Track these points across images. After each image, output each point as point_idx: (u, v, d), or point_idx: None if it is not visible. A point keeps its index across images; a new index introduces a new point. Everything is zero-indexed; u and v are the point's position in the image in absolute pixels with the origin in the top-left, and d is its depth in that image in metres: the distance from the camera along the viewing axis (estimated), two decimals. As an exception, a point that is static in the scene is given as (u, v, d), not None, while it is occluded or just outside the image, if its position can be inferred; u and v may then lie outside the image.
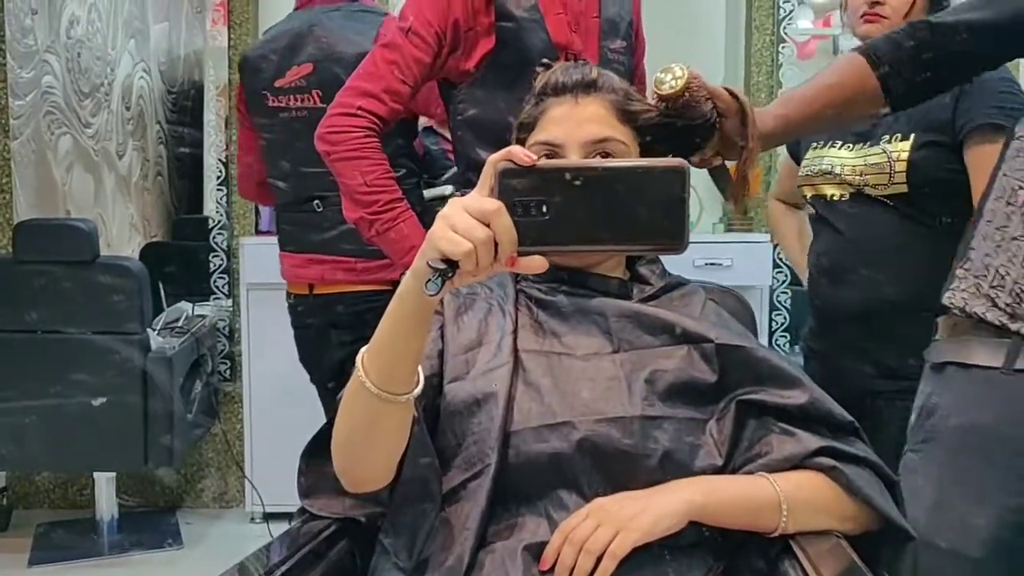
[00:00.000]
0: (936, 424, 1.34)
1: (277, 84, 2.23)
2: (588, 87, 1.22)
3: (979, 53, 1.38)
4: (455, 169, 1.87)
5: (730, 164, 1.32)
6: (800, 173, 1.93)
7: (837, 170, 1.81)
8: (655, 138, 1.24)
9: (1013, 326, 1.26)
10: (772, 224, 2.31)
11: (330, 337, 2.18)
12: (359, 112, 1.65)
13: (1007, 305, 1.27)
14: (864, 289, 1.79)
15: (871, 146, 1.78)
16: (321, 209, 2.18)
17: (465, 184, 1.76)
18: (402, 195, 1.67)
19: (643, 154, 1.23)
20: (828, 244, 1.87)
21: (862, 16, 1.83)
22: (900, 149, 1.74)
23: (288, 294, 2.30)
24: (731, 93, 1.27)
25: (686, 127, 1.24)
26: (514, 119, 1.29)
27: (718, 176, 1.34)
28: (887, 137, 1.76)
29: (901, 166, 1.73)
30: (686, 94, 1.21)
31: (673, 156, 1.25)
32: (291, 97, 2.21)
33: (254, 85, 2.29)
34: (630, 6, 1.84)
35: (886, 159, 1.73)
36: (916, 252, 1.76)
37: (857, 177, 1.76)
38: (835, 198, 1.84)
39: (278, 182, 2.29)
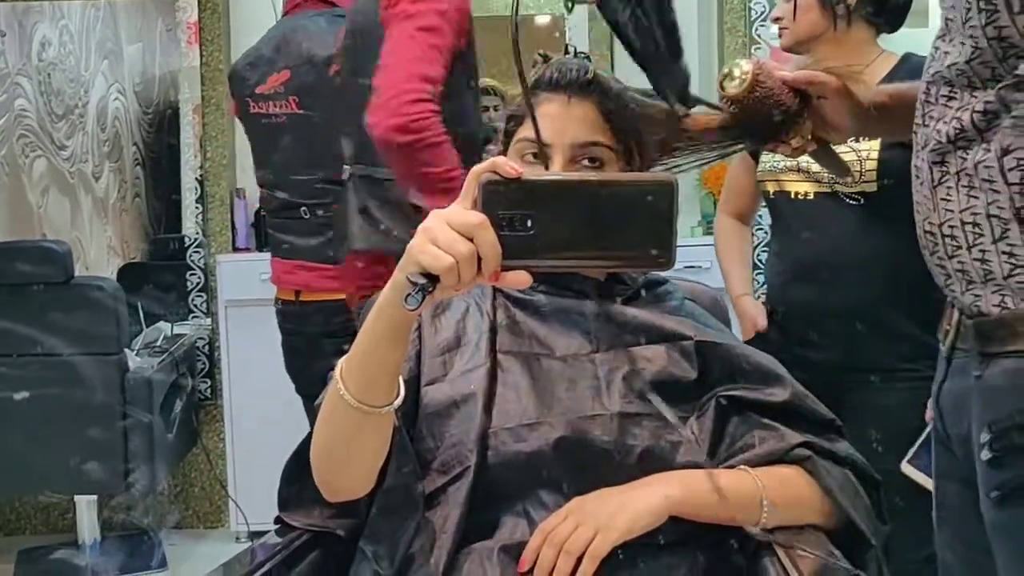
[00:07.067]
0: None
1: (258, 91, 2.22)
2: (582, 86, 1.19)
3: None
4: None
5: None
6: (762, 167, 1.94)
7: (804, 165, 1.81)
8: (733, 133, 1.21)
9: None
10: (722, 241, 2.21)
11: (321, 345, 2.16)
12: (430, 97, 1.62)
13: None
14: (829, 287, 1.80)
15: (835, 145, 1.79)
16: (308, 216, 2.16)
17: None
18: None
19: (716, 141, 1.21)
20: (792, 245, 1.88)
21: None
22: (870, 148, 1.75)
23: (276, 300, 2.28)
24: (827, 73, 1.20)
25: (764, 122, 1.19)
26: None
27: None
28: (850, 136, 1.78)
29: (871, 164, 1.74)
30: (756, 91, 1.16)
31: (756, 144, 1.22)
32: (271, 103, 2.20)
33: (239, 93, 2.29)
34: None
35: (855, 157, 1.74)
36: (881, 251, 1.78)
37: (826, 172, 1.77)
38: (799, 196, 1.85)
39: (266, 189, 2.28)
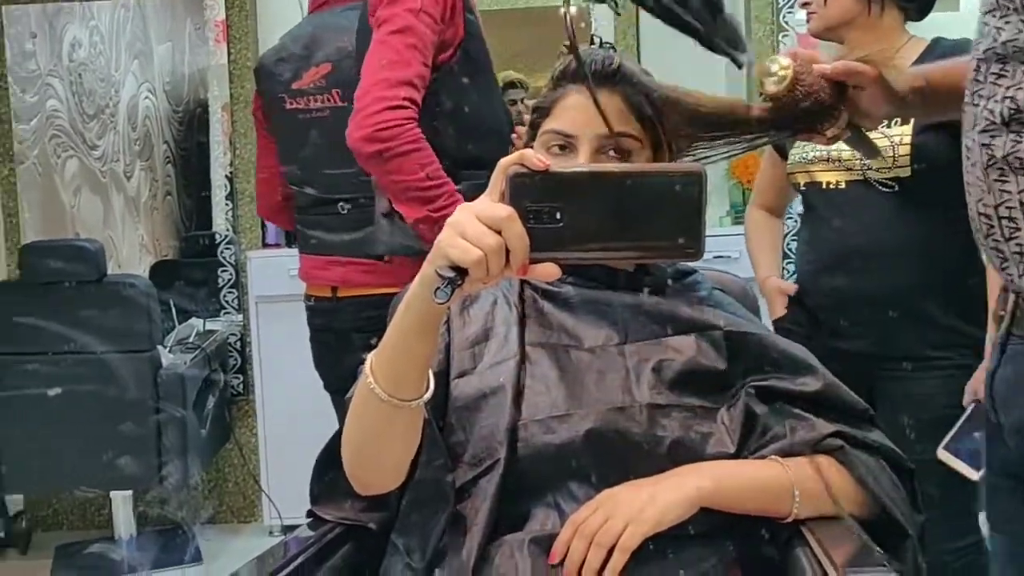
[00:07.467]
0: None
1: (295, 86, 2.21)
2: (607, 77, 1.17)
3: None
4: None
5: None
6: (792, 160, 1.92)
7: (835, 154, 1.80)
8: (769, 127, 1.18)
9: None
10: (752, 230, 2.19)
11: (354, 341, 2.16)
12: (405, 103, 1.61)
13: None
14: (862, 275, 1.78)
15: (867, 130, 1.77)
16: (346, 211, 2.15)
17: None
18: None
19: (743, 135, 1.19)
20: (824, 234, 1.87)
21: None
22: (902, 133, 1.72)
23: (307, 296, 2.27)
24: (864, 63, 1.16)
25: (802, 117, 1.16)
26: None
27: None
28: (884, 121, 1.75)
29: (904, 149, 1.72)
30: (797, 89, 1.14)
31: (791, 136, 1.20)
32: (310, 98, 2.18)
33: (271, 90, 2.26)
34: None
35: (888, 143, 1.72)
36: (915, 238, 1.76)
37: (858, 160, 1.75)
38: (831, 186, 1.83)
39: (296, 185, 2.27)
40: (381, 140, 1.62)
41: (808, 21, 1.90)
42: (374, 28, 1.75)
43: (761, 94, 1.18)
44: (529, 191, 0.90)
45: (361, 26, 1.93)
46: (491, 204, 0.90)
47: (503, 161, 0.92)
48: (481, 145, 1.79)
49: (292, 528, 3.33)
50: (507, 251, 0.89)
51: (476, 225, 0.88)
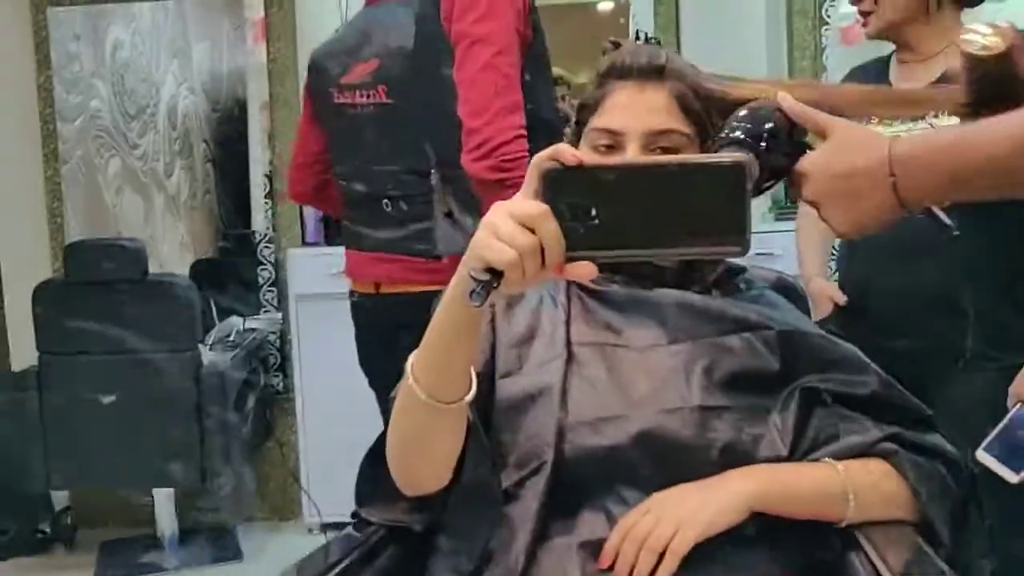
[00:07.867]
0: None
1: (343, 81, 2.21)
2: (654, 73, 1.15)
3: None
4: None
5: None
6: None
7: None
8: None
9: None
10: (804, 223, 2.15)
11: (399, 338, 2.14)
12: (522, 131, 1.68)
13: None
14: (913, 270, 1.74)
15: (914, 121, 1.73)
16: (391, 208, 2.15)
17: None
18: None
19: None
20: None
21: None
22: (951, 123, 1.68)
23: (351, 292, 2.27)
24: None
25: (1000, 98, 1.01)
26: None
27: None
28: (933, 112, 1.71)
29: None
30: (1004, 62, 0.99)
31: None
32: (357, 93, 2.18)
33: (321, 84, 2.27)
34: None
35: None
36: (969, 230, 1.71)
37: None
38: None
39: (345, 181, 2.27)
40: (504, 170, 1.68)
41: (864, 25, 1.83)
42: (465, 41, 1.78)
43: (967, 60, 1.04)
44: (563, 187, 0.87)
45: (420, 28, 1.93)
46: (525, 202, 0.89)
47: (537, 157, 0.90)
48: (548, 144, 1.81)
49: (332, 526, 3.36)
50: (543, 251, 0.87)
51: (510, 225, 0.87)
